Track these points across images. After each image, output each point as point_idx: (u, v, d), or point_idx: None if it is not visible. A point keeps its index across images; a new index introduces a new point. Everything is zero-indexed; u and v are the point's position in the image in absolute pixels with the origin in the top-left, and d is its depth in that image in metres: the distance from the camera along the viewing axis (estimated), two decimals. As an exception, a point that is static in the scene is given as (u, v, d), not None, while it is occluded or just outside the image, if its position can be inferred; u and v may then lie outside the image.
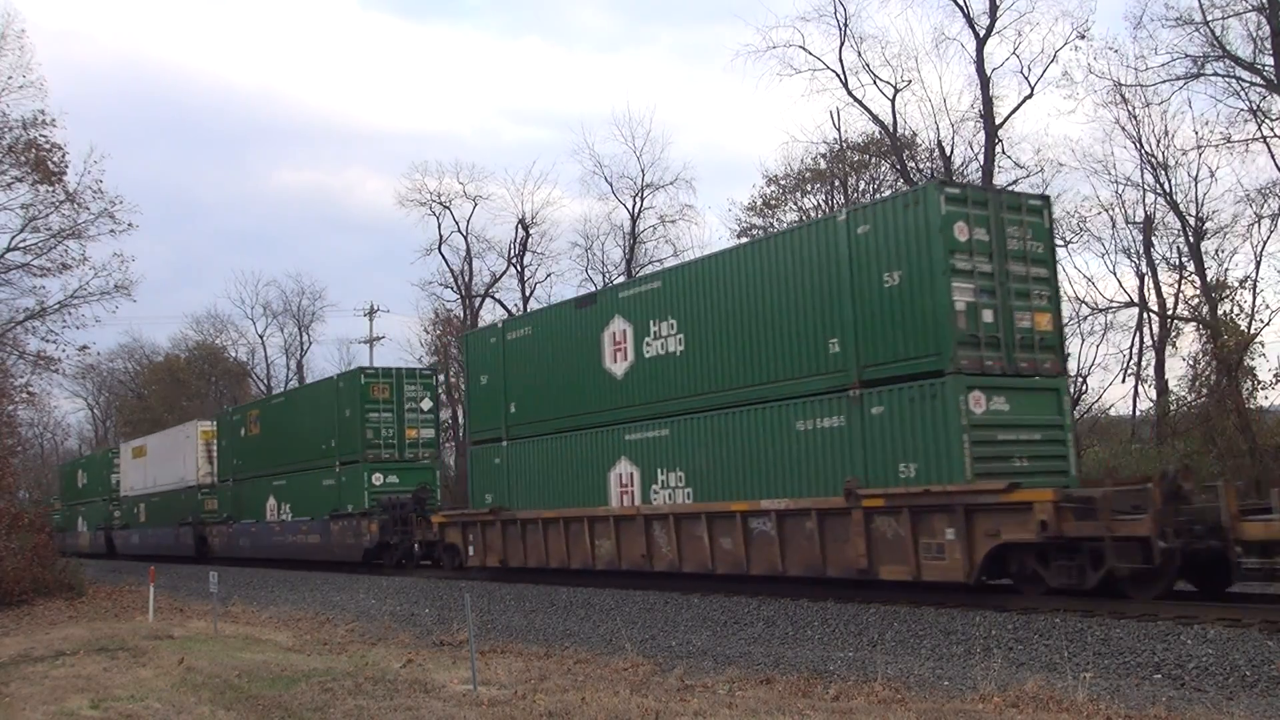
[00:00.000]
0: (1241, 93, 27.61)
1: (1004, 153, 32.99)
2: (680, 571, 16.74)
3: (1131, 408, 33.02)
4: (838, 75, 34.96)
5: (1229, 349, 26.80)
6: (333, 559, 27.53)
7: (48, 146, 28.56)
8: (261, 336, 73.29)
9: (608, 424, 18.27)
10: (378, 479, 26.68)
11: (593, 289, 46.59)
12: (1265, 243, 28.53)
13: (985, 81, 32.45)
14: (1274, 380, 27.43)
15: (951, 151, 34.50)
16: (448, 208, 51.30)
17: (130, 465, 45.18)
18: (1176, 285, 30.45)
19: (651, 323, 17.45)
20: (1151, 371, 31.51)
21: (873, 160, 38.67)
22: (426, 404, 28.31)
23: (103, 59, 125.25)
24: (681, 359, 16.83)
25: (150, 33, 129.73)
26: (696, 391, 16.58)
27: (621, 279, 45.71)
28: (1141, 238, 30.91)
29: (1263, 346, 27.96)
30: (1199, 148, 28.68)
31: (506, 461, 20.76)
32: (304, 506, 29.33)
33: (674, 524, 16.57)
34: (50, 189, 29.31)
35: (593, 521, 18.25)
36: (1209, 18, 27.33)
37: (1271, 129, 27.39)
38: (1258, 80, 27.23)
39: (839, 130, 38.37)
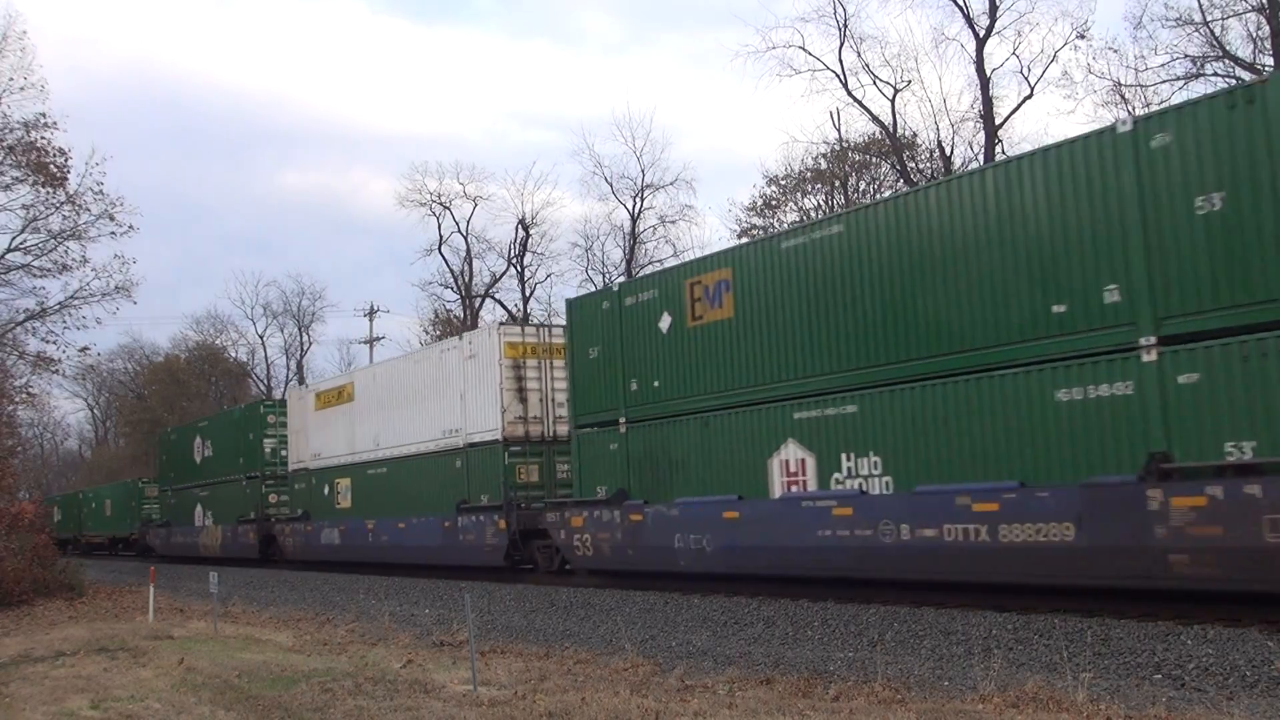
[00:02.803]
0: (1242, 93, 27.59)
1: (1004, 153, 33.06)
2: None
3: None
4: (837, 76, 35.15)
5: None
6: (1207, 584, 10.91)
7: (48, 148, 28.64)
8: (261, 337, 73.58)
9: None
10: None
11: (593, 288, 46.68)
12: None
13: (985, 82, 32.56)
14: None
15: (951, 152, 34.62)
16: (448, 208, 51.46)
17: (313, 421, 29.11)
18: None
19: None
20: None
21: (873, 160, 38.74)
22: None
23: (111, 63, 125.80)
24: None
25: (159, 37, 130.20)
26: None
27: (622, 279, 45.79)
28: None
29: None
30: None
31: None
32: (965, 460, 12.69)
33: None
34: (51, 190, 29.40)
35: None
36: (1209, 18, 27.41)
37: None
38: (1257, 81, 27.25)
39: (839, 130, 38.52)
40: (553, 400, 21.77)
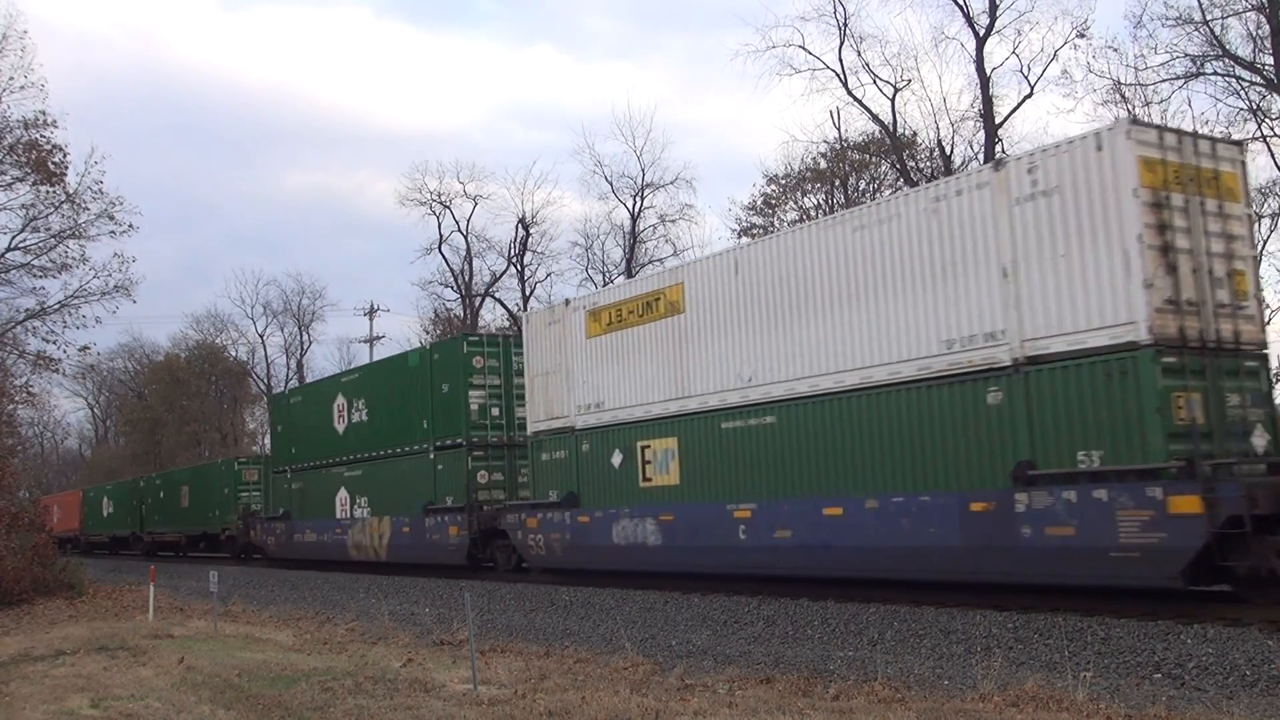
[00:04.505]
0: (1241, 92, 27.75)
1: (1004, 152, 33.06)
2: None
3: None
4: (837, 75, 35.10)
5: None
6: None
7: (48, 147, 28.68)
8: (262, 336, 73.54)
9: None
10: None
11: (593, 289, 46.79)
12: (1265, 242, 28.40)
13: (985, 81, 32.55)
14: None
15: (951, 151, 34.60)
16: (448, 207, 51.42)
17: (584, 355, 19.14)
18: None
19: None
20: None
21: (873, 160, 38.73)
22: None
23: (119, 64, 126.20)
24: None
25: (166, 39, 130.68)
26: None
27: (621, 279, 45.82)
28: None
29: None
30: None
31: None
32: None
33: None
34: (51, 189, 29.45)
35: None
36: (1209, 17, 27.38)
37: (1271, 128, 27.45)
38: (1257, 79, 27.33)
39: (839, 130, 38.47)
40: (1210, 273, 11.96)
